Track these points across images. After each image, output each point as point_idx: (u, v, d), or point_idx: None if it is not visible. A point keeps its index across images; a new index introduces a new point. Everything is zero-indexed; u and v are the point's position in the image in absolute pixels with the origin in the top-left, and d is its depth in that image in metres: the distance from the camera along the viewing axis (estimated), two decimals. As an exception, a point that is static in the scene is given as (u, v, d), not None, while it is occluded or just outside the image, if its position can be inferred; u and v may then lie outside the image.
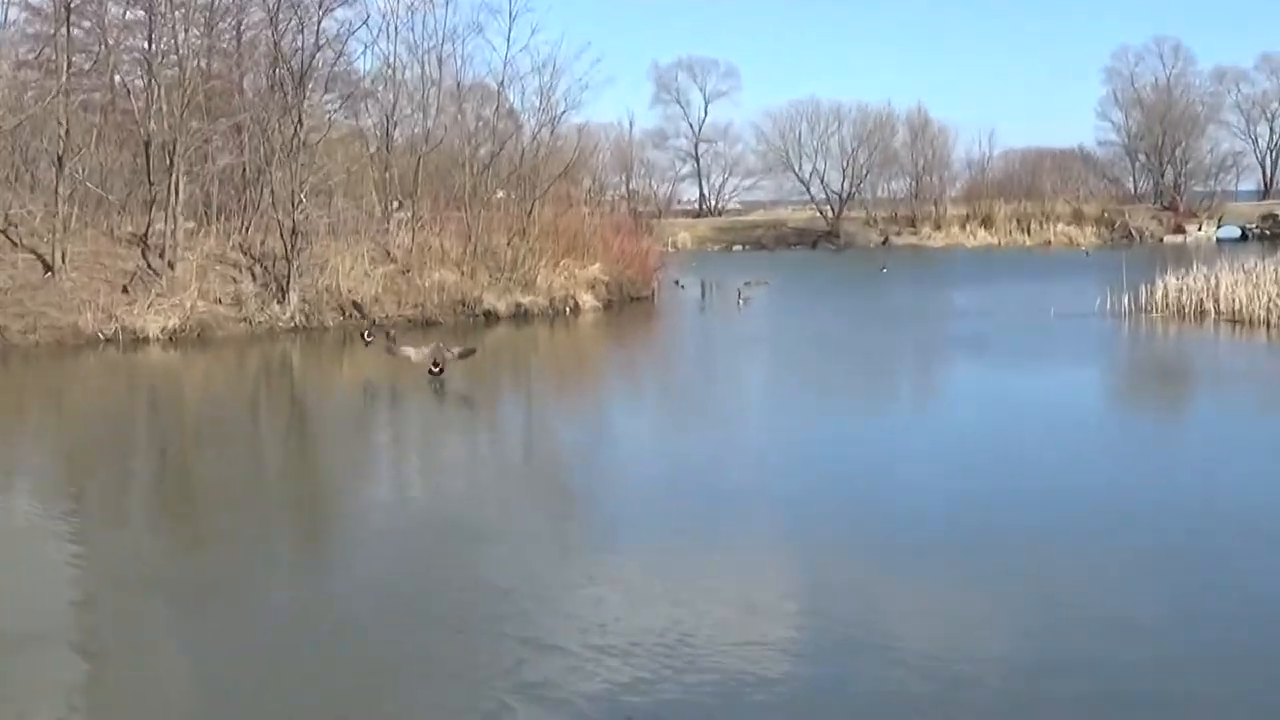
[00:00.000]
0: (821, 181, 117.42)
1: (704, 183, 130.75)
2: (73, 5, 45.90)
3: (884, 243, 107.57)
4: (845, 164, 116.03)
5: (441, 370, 29.91)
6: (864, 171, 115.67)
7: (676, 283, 62.01)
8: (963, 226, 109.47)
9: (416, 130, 56.32)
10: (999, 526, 16.38)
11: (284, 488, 21.13)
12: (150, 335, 40.83)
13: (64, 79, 44.84)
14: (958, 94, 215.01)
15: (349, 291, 46.11)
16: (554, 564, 15.03)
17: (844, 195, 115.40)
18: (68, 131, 43.61)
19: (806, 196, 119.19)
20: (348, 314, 45.53)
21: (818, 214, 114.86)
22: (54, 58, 46.65)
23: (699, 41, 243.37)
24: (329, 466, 23.19)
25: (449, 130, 56.68)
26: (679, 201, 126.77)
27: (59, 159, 43.26)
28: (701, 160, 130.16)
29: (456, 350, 31.29)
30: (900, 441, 23.53)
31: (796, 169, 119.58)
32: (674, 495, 18.60)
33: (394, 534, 16.84)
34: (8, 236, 43.23)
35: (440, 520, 17.66)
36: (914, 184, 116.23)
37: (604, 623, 12.47)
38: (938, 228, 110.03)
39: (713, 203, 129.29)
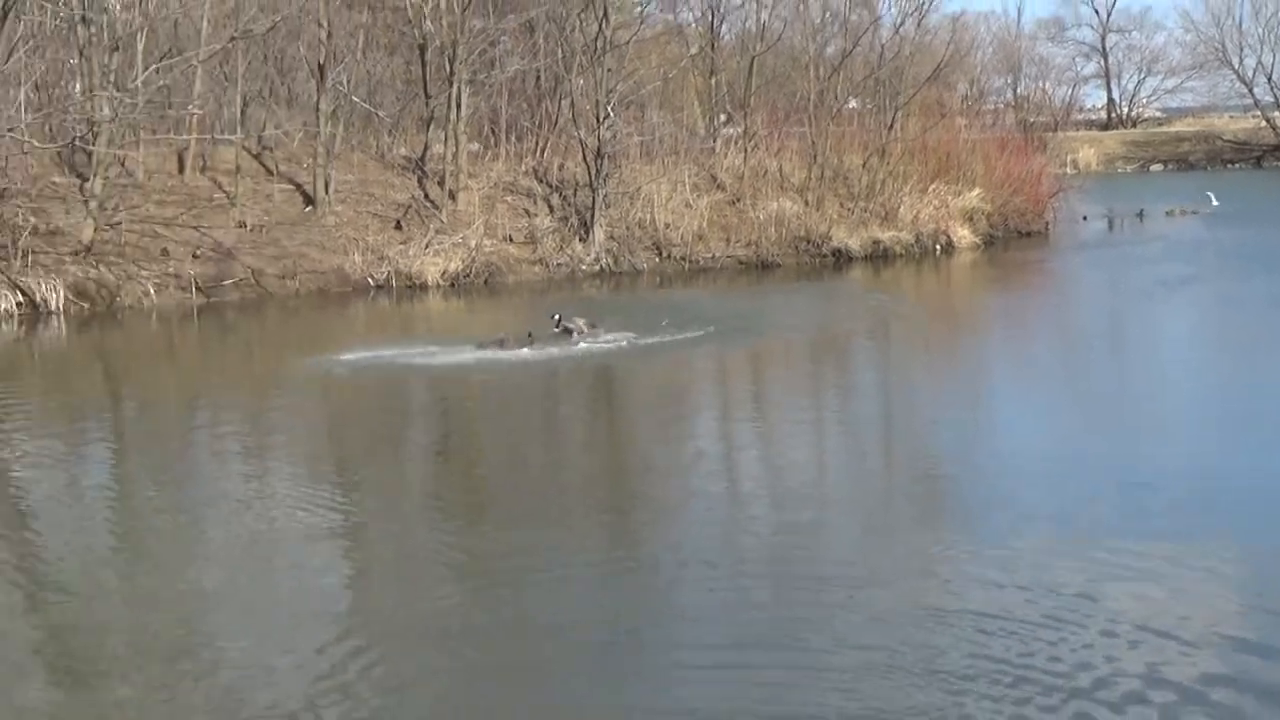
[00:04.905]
0: (1269, 81, 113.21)
1: (1113, 85, 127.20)
2: (335, -120, 47.29)
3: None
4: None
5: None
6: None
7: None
8: None
9: (749, 25, 56.44)
10: None
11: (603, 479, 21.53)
12: (428, 281, 42.05)
13: (325, -29, 46.49)
14: None
15: (666, 228, 46.62)
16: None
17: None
18: (330, 35, 45.08)
19: (1249, 100, 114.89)
20: (665, 255, 46.10)
21: (1264, 123, 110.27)
22: (313, -54, 48.27)
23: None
24: (644, 449, 23.52)
25: (788, 25, 56.69)
26: (1081, 110, 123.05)
27: (320, 68, 44.78)
28: (1110, 57, 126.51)
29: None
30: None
31: (1236, 65, 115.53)
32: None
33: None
34: (262, 163, 45.09)
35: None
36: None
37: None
38: None
39: (1125, 111, 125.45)
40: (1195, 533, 15.82)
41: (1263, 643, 12.57)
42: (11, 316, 36.39)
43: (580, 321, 31.55)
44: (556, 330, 31.06)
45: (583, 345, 30.15)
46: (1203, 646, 12.52)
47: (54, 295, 37.27)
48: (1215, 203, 62.92)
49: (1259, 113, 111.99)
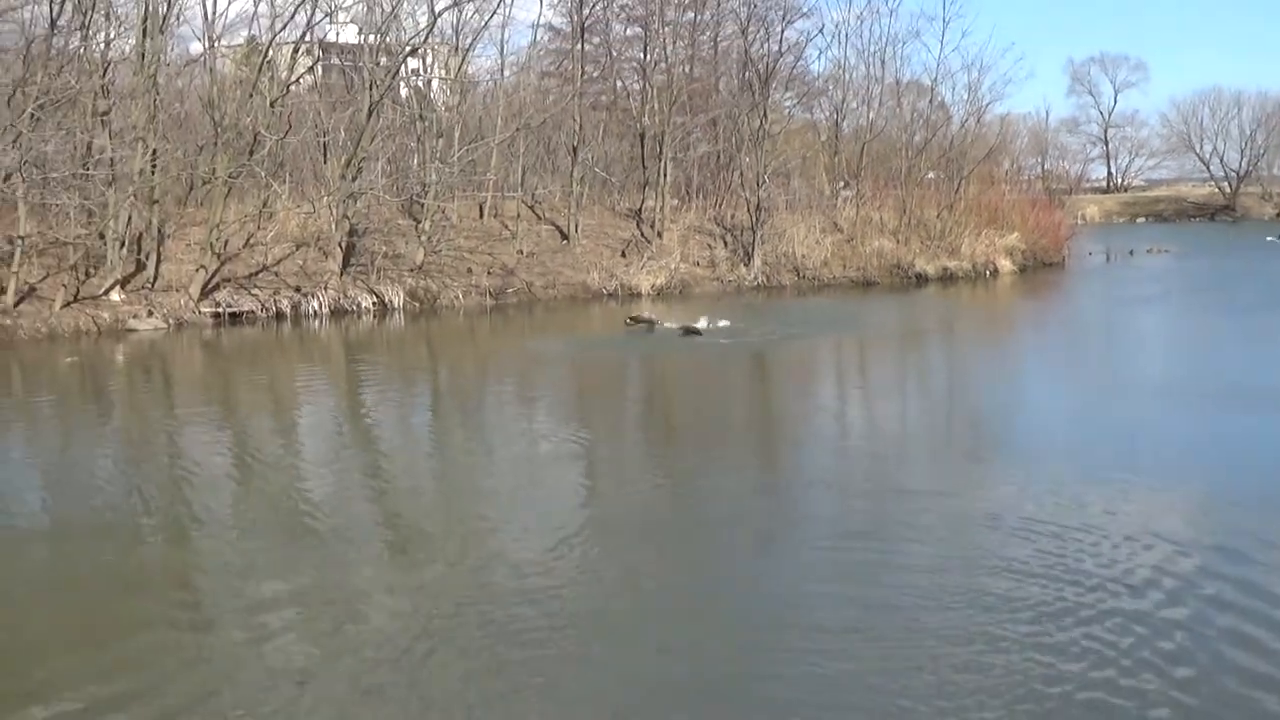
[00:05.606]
0: (1220, 161, 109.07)
1: (1111, 163, 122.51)
2: (586, 25, 47.71)
3: (1278, 216, 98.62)
4: (1244, 145, 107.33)
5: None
6: (1261, 151, 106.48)
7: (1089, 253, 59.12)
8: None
9: (861, 122, 55.17)
10: None
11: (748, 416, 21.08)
12: (642, 291, 41.54)
13: (578, 84, 46.56)
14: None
15: (802, 257, 45.71)
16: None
17: (1241, 173, 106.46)
18: (580, 127, 44.95)
19: (1205, 174, 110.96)
20: (801, 276, 45.29)
21: (1216, 190, 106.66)
22: (570, 68, 48.47)
23: (1111, 38, 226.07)
24: (778, 402, 23.00)
25: (888, 121, 55.40)
26: (1088, 180, 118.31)
27: (573, 149, 44.56)
28: (1110, 143, 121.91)
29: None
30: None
31: (1197, 150, 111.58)
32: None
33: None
34: (534, 211, 45.00)
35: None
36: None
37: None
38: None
39: (1119, 180, 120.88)
40: (1175, 468, 14.81)
41: (1227, 541, 11.63)
42: (369, 311, 36.59)
43: (649, 315, 32.14)
44: (636, 325, 31.17)
45: (739, 338, 29.34)
46: (1188, 542, 11.63)
47: (397, 298, 37.38)
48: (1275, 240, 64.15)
49: (1213, 183, 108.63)
